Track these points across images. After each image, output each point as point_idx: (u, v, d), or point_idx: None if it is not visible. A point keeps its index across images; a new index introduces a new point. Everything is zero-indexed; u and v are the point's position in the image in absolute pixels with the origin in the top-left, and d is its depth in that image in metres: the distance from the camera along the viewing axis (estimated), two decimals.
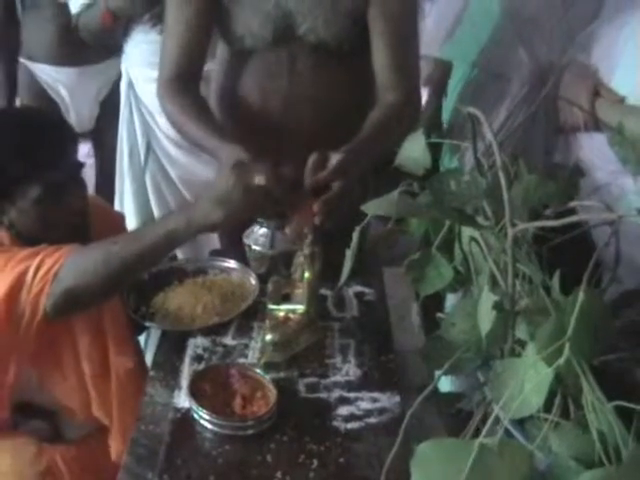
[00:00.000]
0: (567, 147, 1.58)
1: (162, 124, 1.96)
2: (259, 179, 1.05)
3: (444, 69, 2.06)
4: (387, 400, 1.07)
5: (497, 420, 0.67)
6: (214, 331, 1.21)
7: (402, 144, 1.09)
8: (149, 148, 2.00)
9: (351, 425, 1.02)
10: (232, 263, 1.34)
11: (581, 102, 1.45)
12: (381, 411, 1.04)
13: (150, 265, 1.18)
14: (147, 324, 1.20)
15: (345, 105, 1.41)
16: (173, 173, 2.02)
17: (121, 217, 1.52)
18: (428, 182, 0.95)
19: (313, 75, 1.38)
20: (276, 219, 1.21)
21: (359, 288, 1.34)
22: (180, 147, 1.96)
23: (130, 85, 2.02)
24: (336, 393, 1.08)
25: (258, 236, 1.24)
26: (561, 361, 0.65)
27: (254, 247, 1.23)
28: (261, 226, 1.23)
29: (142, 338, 2.00)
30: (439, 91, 2.13)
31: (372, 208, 0.90)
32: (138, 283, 1.26)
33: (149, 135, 2.00)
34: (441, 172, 0.96)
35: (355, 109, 1.41)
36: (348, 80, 1.42)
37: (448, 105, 2.06)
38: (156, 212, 2.05)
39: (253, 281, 1.28)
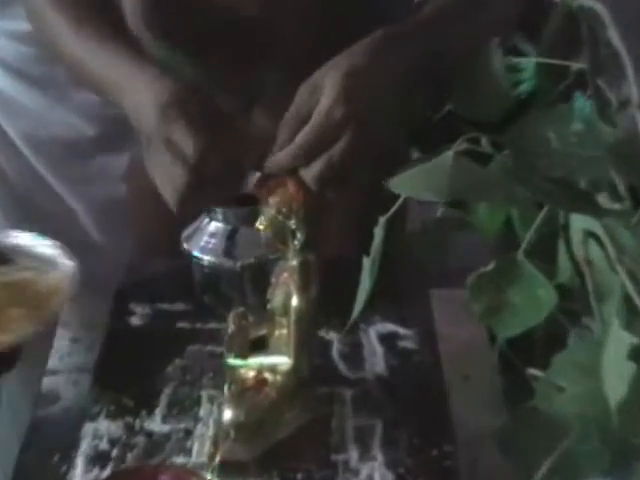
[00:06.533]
0: None
1: None
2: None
3: None
4: None
5: None
6: (126, 408, 0.78)
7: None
8: None
9: None
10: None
11: None
12: None
13: None
14: None
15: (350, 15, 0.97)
16: None
17: None
18: (507, 136, 0.72)
19: None
20: (236, 203, 0.80)
21: (388, 326, 0.95)
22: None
23: None
24: None
25: (207, 237, 0.83)
26: None
27: (201, 256, 0.83)
28: (212, 219, 0.82)
29: None
30: None
31: (405, 186, 0.70)
32: None
33: None
34: (529, 118, 0.72)
35: (363, 21, 0.98)
36: None
37: None
38: None
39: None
